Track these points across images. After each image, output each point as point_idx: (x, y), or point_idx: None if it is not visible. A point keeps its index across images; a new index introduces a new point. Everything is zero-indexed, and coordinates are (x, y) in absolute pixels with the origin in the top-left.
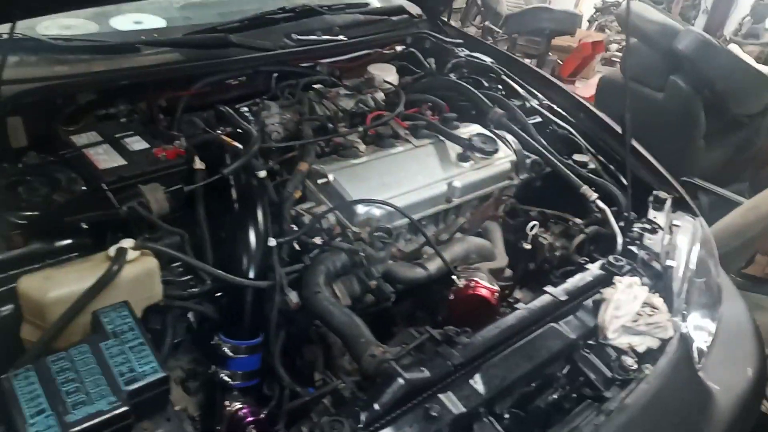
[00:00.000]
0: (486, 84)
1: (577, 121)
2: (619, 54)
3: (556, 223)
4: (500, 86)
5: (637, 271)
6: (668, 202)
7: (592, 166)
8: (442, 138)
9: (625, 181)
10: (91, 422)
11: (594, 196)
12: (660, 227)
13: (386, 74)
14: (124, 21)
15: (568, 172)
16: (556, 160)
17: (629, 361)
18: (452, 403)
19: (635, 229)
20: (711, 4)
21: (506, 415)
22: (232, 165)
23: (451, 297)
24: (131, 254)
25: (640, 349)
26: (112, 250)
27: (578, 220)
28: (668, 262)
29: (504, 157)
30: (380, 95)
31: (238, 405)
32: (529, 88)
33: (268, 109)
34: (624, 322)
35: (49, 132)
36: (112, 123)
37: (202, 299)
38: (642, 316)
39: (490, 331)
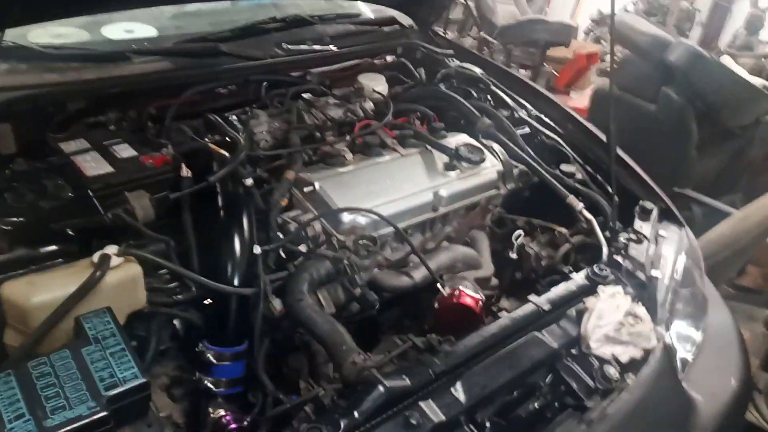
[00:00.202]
0: (475, 94)
1: (565, 132)
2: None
3: (542, 233)
4: (489, 96)
5: (621, 281)
6: (654, 213)
7: (579, 176)
8: (429, 147)
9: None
10: (70, 427)
11: (580, 206)
12: (646, 237)
13: (375, 84)
14: (116, 30)
15: (555, 182)
16: (543, 170)
17: (612, 370)
18: (432, 411)
19: (621, 239)
20: (706, 17)
21: (487, 424)
22: (218, 173)
23: (436, 305)
24: (115, 261)
25: (623, 358)
26: (95, 257)
27: (564, 230)
28: (653, 272)
29: (490, 167)
30: (369, 105)
31: (222, 412)
32: (518, 98)
33: (257, 117)
34: (607, 331)
35: (38, 139)
36: (101, 130)
37: (188, 306)
38: (625, 326)
39: (472, 339)
